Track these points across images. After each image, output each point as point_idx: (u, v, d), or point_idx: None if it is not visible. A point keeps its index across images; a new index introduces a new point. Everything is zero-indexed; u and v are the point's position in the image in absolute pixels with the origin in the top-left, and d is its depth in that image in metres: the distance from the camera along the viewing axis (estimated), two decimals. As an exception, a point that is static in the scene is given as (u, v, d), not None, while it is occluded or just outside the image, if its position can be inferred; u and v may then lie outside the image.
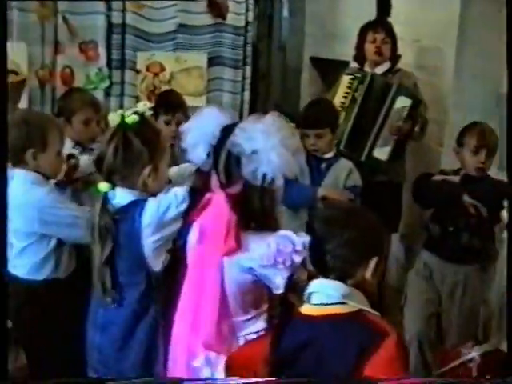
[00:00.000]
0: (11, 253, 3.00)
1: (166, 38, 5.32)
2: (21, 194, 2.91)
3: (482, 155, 3.64)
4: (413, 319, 3.79)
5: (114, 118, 2.56)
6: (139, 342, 2.55)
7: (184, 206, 2.45)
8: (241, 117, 5.64)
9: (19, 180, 2.94)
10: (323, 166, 3.82)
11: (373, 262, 2.01)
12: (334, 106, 4.31)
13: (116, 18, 5.13)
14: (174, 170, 2.85)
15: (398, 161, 4.69)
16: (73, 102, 3.89)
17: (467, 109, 4.53)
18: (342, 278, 2.01)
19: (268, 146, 2.20)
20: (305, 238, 2.20)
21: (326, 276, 2.03)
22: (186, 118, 4.06)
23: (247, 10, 5.52)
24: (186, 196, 2.45)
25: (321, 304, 2.02)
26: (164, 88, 5.22)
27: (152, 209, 2.44)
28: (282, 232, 2.27)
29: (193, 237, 2.40)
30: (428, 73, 4.96)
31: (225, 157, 2.30)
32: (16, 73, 4.82)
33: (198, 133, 2.40)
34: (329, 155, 3.83)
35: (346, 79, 4.71)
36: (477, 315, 3.69)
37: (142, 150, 2.49)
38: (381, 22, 4.79)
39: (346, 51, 5.18)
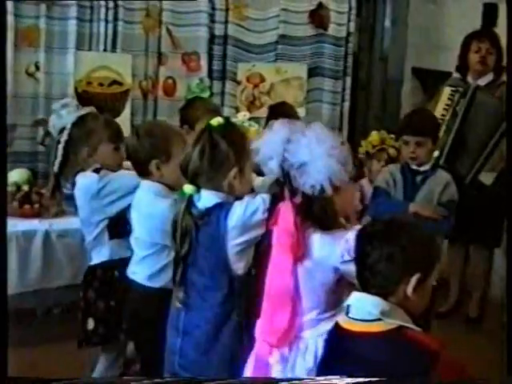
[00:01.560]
0: (132, 260, 3.09)
1: (266, 48, 5.37)
2: (145, 205, 2.97)
3: None
4: None
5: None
6: (223, 346, 2.54)
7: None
8: (340, 128, 5.62)
9: (144, 191, 3.00)
10: (418, 178, 3.71)
11: (414, 279, 1.93)
12: (436, 116, 4.22)
13: (218, 29, 5.21)
14: (258, 181, 2.86)
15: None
16: (196, 109, 3.97)
17: None
18: (382, 295, 1.96)
19: (314, 157, 2.27)
20: None
21: (368, 291, 1.99)
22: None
23: (349, 21, 5.51)
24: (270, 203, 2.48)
25: (360, 320, 1.98)
26: (264, 99, 5.26)
27: (239, 212, 2.45)
28: (357, 227, 2.27)
29: (269, 244, 2.45)
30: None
31: (281, 171, 2.38)
32: (120, 83, 4.94)
33: (269, 147, 2.40)
34: (425, 167, 3.73)
35: (447, 91, 4.61)
36: None
37: (228, 151, 2.49)
38: (486, 32, 4.67)
39: (449, 62, 5.06)
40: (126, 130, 3.73)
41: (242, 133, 2.64)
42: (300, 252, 2.33)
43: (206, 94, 5.18)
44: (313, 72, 5.49)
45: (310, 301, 2.37)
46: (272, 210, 2.43)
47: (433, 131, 3.74)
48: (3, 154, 2.22)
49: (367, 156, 4.67)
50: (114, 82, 4.93)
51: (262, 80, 5.36)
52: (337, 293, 2.37)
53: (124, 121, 4.56)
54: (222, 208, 2.48)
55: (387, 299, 1.96)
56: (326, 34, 5.44)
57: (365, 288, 2.00)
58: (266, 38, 5.34)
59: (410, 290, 1.94)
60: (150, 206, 2.94)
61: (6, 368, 2.06)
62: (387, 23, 6.00)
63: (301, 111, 5.39)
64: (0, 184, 2.27)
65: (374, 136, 4.69)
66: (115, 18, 4.91)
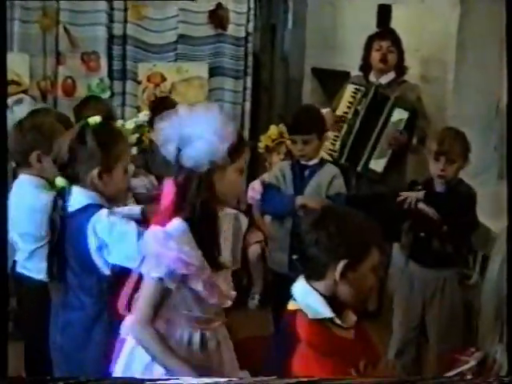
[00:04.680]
0: (19, 256, 3.06)
1: (166, 48, 5.38)
2: (28, 199, 2.95)
3: (442, 162, 3.60)
4: (397, 326, 3.80)
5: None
6: (96, 345, 2.54)
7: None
8: (242, 127, 5.68)
9: (25, 185, 2.99)
10: (306, 173, 3.80)
11: (341, 265, 1.99)
12: (321, 112, 4.28)
13: (117, 29, 5.20)
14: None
15: (397, 171, 4.70)
16: (90, 108, 3.94)
17: (466, 120, 4.52)
18: (312, 278, 2.05)
19: (195, 132, 2.25)
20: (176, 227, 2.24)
21: (303, 274, 2.09)
22: None
23: (248, 21, 5.57)
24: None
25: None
26: (164, 97, 5.26)
27: (105, 226, 2.46)
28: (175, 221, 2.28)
29: None
30: (429, 83, 4.96)
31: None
32: (18, 83, 4.86)
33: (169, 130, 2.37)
34: (313, 162, 3.82)
35: (350, 88, 4.71)
36: (458, 320, 3.64)
37: (95, 149, 2.51)
38: (387, 31, 4.80)
39: (345, 62, 5.20)
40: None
41: (116, 135, 2.65)
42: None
43: (106, 94, 5.16)
44: (214, 71, 5.53)
45: None
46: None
47: (318, 128, 3.83)
48: (3, 154, 2.19)
49: (267, 150, 4.75)
50: (12, 82, 4.84)
51: (163, 80, 5.36)
52: None
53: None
54: (87, 211, 2.49)
55: (317, 283, 2.04)
56: (226, 34, 5.49)
57: (298, 271, 2.10)
58: (165, 37, 5.35)
59: (337, 275, 2.00)
60: (32, 200, 2.92)
61: (6, 368, 2.04)
62: (287, 24, 6.10)
63: (202, 110, 5.43)
64: (0, 184, 2.25)
65: (273, 130, 4.78)
66: (11, 18, 4.83)
